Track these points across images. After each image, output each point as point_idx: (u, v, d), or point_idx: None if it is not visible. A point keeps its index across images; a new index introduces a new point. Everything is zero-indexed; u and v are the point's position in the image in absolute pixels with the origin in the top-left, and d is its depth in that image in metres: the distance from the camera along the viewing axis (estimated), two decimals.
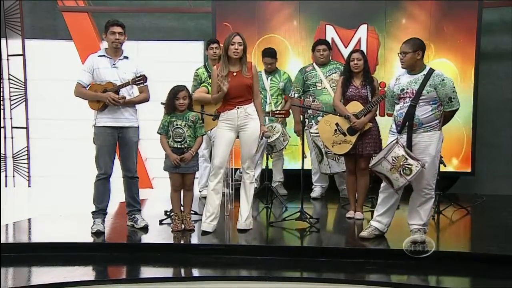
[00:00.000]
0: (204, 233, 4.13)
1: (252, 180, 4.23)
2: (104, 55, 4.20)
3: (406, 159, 3.64)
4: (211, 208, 4.17)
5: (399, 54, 3.84)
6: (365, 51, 5.22)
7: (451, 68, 5.90)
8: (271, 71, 5.55)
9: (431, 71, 3.82)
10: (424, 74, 3.81)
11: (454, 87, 3.82)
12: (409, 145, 3.77)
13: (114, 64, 4.18)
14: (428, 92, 3.75)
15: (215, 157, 4.14)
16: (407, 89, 3.82)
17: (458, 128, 5.96)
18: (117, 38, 4.14)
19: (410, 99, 3.78)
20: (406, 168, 3.64)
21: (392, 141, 3.80)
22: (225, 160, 4.19)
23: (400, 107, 3.85)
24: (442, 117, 3.85)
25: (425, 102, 3.76)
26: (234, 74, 4.08)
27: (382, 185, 3.95)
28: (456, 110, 3.86)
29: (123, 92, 4.15)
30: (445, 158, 4.98)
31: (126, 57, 4.25)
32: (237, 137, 4.20)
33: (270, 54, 5.51)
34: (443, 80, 3.77)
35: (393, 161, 3.66)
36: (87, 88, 4.17)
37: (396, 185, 3.72)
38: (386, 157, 3.68)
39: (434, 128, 3.79)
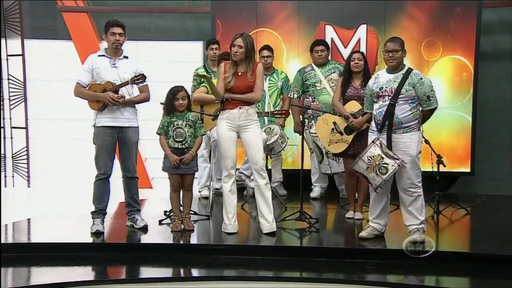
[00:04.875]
0: (231, 234, 4.12)
1: (267, 181, 4.12)
2: (104, 55, 4.20)
3: (382, 158, 3.68)
4: (232, 209, 4.15)
5: (389, 53, 3.83)
6: (364, 52, 5.23)
7: (451, 67, 5.92)
8: (268, 67, 5.51)
9: (410, 70, 3.87)
10: (403, 73, 3.85)
11: (432, 86, 3.87)
12: (389, 144, 3.80)
13: (114, 64, 4.18)
14: (406, 91, 3.78)
15: (226, 159, 4.10)
16: (386, 87, 3.85)
17: (458, 128, 5.97)
18: (117, 39, 4.14)
19: (389, 97, 3.81)
20: (382, 167, 3.68)
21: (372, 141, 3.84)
22: (235, 159, 4.17)
23: (379, 105, 3.87)
24: (421, 117, 3.88)
25: (404, 101, 3.80)
26: (240, 74, 4.07)
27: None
28: (435, 109, 3.90)
29: (123, 91, 4.15)
30: (445, 158, 4.98)
31: (126, 57, 4.25)
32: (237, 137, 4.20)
33: (267, 47, 5.51)
34: (421, 79, 3.83)
35: (369, 161, 3.71)
36: (87, 88, 4.17)
37: (374, 184, 3.77)
38: (361, 157, 3.74)
39: (413, 129, 3.82)
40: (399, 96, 3.78)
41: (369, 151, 3.73)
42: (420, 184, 3.88)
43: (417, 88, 3.79)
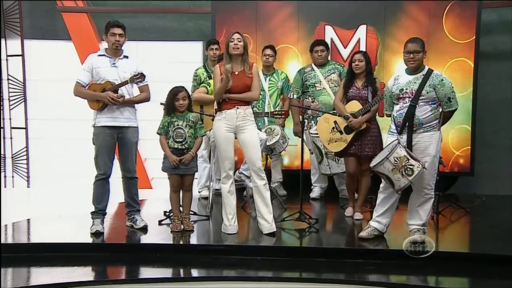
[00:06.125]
0: (231, 234, 4.12)
1: (265, 182, 4.11)
2: (104, 55, 4.20)
3: (408, 159, 3.64)
4: (231, 210, 4.16)
5: (410, 54, 3.80)
6: None
7: (451, 67, 5.93)
8: (269, 66, 5.52)
9: (430, 71, 3.83)
10: (423, 74, 3.82)
11: (452, 87, 3.84)
12: (409, 146, 3.78)
13: (114, 64, 4.18)
14: (427, 92, 3.76)
15: (224, 160, 4.11)
16: (406, 89, 3.82)
17: (457, 128, 5.97)
18: (117, 40, 4.14)
19: (410, 99, 3.79)
20: (408, 169, 3.64)
21: (393, 142, 3.80)
22: (233, 160, 4.18)
23: (400, 107, 3.85)
24: (441, 117, 3.86)
25: (425, 102, 3.77)
26: (236, 73, 4.07)
27: (382, 185, 3.95)
28: (455, 110, 3.87)
29: (123, 91, 4.14)
30: (444, 158, 4.98)
31: (126, 57, 4.25)
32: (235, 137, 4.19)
33: (271, 46, 5.52)
34: (442, 80, 3.79)
35: (395, 162, 3.66)
36: (86, 88, 4.17)
37: (397, 186, 3.72)
38: (388, 157, 3.68)
39: (433, 128, 3.80)
40: (420, 98, 3.76)
41: (395, 152, 3.67)
42: (433, 186, 3.87)
43: (438, 89, 3.76)
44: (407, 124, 3.79)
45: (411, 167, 3.64)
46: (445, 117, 3.90)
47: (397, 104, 3.89)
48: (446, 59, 5.91)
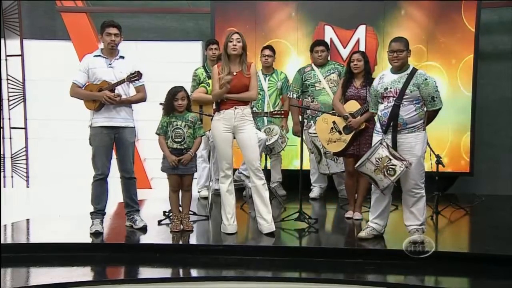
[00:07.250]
0: (230, 234, 4.11)
1: (264, 182, 4.10)
2: (100, 55, 4.19)
3: (390, 159, 3.66)
4: (230, 209, 4.15)
5: (394, 53, 3.81)
6: None
7: (450, 67, 5.93)
8: (268, 66, 5.52)
9: (414, 70, 3.84)
10: (407, 74, 3.82)
11: (437, 86, 3.84)
12: (394, 145, 3.78)
13: (110, 64, 4.17)
14: (411, 92, 3.76)
15: (222, 160, 4.11)
16: (391, 88, 3.83)
17: (457, 128, 5.97)
18: (113, 40, 4.12)
19: (394, 98, 3.79)
20: (390, 169, 3.65)
21: (376, 142, 3.81)
22: (232, 160, 4.17)
23: (384, 106, 3.86)
24: (426, 116, 3.86)
25: (409, 101, 3.77)
26: (235, 73, 4.05)
27: (373, 185, 3.96)
28: (439, 109, 3.87)
29: (119, 91, 4.13)
30: (444, 158, 4.98)
31: (122, 57, 4.23)
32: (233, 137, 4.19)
33: (270, 47, 5.52)
34: (426, 79, 3.79)
35: (377, 162, 3.68)
36: (83, 88, 4.16)
37: (381, 186, 3.74)
38: (369, 158, 3.71)
39: (418, 128, 3.81)
40: (404, 97, 3.76)
41: (377, 152, 3.69)
42: (423, 185, 3.86)
43: (422, 88, 3.76)
44: (391, 123, 3.80)
45: (393, 167, 3.65)
46: (430, 117, 3.89)
47: (382, 103, 3.89)
48: (464, 55, 5.90)
